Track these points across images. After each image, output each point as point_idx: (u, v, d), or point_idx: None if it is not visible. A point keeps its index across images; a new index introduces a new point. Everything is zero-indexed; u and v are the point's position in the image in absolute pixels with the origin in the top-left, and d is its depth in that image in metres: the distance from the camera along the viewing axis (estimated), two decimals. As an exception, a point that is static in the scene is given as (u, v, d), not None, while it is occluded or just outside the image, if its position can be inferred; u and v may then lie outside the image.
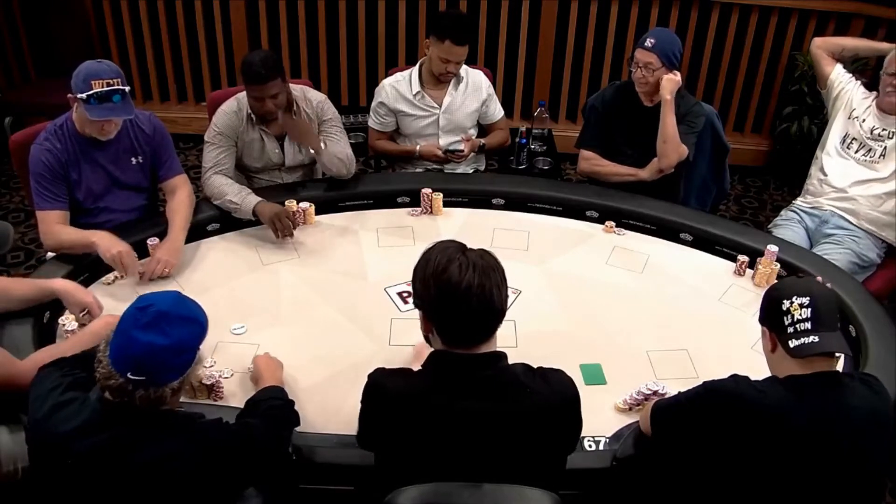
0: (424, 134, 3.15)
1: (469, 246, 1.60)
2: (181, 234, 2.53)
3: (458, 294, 1.50)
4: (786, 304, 1.62)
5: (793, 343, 1.60)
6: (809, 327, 1.59)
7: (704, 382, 1.71)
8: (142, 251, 2.47)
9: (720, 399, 1.65)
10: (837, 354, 2.15)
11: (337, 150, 2.77)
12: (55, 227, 2.44)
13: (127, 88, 2.36)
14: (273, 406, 1.77)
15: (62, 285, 2.18)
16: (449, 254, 1.54)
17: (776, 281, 1.86)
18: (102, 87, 2.30)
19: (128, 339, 1.46)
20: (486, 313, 1.54)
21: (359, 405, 1.65)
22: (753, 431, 1.59)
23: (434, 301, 1.54)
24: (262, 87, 2.63)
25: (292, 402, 1.82)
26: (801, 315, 1.60)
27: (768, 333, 1.69)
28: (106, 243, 2.36)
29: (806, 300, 1.61)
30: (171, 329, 1.48)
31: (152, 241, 2.49)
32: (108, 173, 2.56)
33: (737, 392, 1.63)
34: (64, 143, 2.46)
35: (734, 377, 1.72)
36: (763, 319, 1.71)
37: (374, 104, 3.15)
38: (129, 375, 1.45)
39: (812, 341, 1.59)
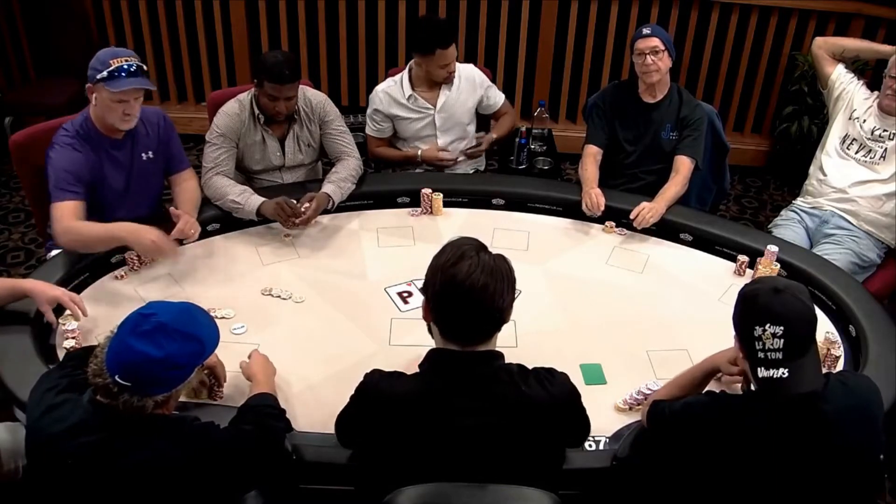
0: (422, 135, 3.15)
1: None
2: (195, 212, 2.58)
3: (461, 291, 1.51)
4: (758, 330, 1.53)
5: (762, 373, 1.54)
6: (780, 357, 1.52)
7: (686, 400, 1.72)
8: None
9: (696, 417, 1.65)
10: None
11: (343, 175, 2.75)
12: (75, 222, 2.35)
13: (144, 67, 2.38)
14: (266, 414, 1.77)
15: (31, 285, 2.13)
16: (463, 251, 1.55)
17: (753, 281, 1.72)
18: (122, 62, 2.32)
19: (122, 344, 1.47)
20: (484, 316, 1.54)
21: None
22: (731, 447, 1.59)
23: (437, 293, 1.55)
24: (282, 88, 2.64)
25: (283, 411, 1.83)
26: (772, 345, 1.52)
27: (738, 343, 1.63)
28: (140, 234, 2.30)
29: (780, 329, 1.51)
30: (168, 343, 1.48)
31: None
32: (126, 172, 2.55)
33: (711, 411, 1.64)
34: (89, 146, 2.45)
35: (710, 393, 1.72)
36: (735, 326, 1.63)
37: (369, 112, 3.15)
38: (116, 378, 1.46)
39: (781, 376, 1.52)
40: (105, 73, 2.31)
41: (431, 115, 3.11)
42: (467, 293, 1.51)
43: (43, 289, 2.12)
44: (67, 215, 2.35)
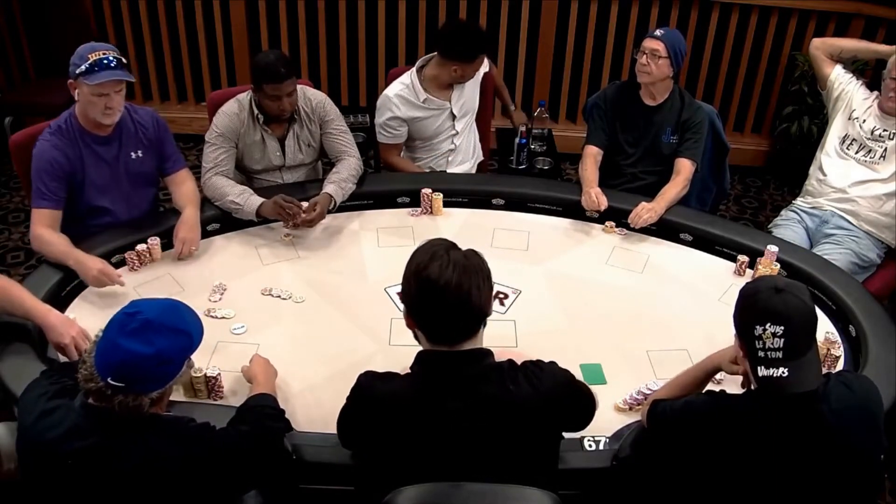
0: (442, 130, 3.14)
1: (466, 246, 1.61)
2: (196, 213, 2.58)
3: (436, 291, 1.51)
4: (758, 329, 1.53)
5: (762, 372, 1.54)
6: (780, 356, 1.52)
7: (686, 399, 1.72)
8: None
9: (697, 417, 1.65)
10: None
11: (344, 175, 2.75)
12: (44, 230, 2.39)
13: (123, 60, 2.39)
14: (265, 414, 1.77)
15: (45, 321, 2.03)
16: (433, 252, 1.55)
17: (754, 280, 1.72)
18: (100, 55, 2.32)
19: (111, 345, 1.46)
20: (463, 312, 1.54)
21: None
22: (731, 447, 1.59)
23: (414, 297, 1.56)
24: (281, 86, 2.63)
25: (283, 411, 1.83)
26: (773, 344, 1.52)
27: (738, 341, 1.63)
28: (85, 265, 2.30)
29: (780, 329, 1.51)
30: (157, 339, 1.47)
31: (153, 241, 2.50)
32: (111, 169, 2.55)
33: (711, 410, 1.64)
34: (69, 140, 2.46)
35: (710, 393, 1.72)
36: (735, 325, 1.64)
37: (382, 120, 3.07)
38: (108, 380, 1.45)
39: (781, 375, 1.52)
40: (84, 67, 2.31)
41: (448, 107, 3.10)
42: (442, 293, 1.51)
43: (57, 329, 2.01)
44: (39, 223, 2.42)
